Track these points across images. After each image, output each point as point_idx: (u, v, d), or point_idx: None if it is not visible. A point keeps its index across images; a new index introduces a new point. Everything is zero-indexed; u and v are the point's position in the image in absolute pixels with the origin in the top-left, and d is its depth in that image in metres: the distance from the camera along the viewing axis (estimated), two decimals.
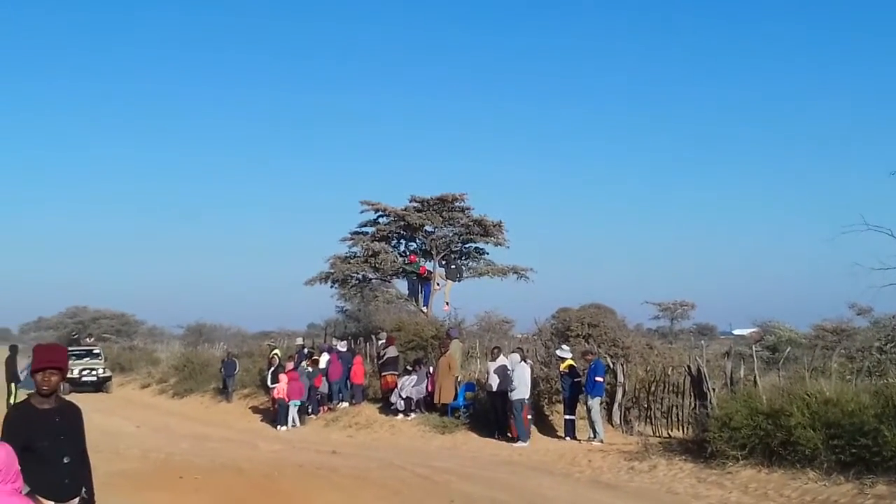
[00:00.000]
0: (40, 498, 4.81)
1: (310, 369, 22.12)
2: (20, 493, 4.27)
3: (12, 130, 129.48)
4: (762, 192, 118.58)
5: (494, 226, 27.10)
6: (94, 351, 37.79)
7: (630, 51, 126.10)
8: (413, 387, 19.92)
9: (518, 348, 19.59)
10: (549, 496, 12.25)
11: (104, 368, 35.20)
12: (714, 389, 16.07)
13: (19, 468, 4.25)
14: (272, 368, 23.00)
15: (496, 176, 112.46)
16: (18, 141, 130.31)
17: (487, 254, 28.59)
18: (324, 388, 22.24)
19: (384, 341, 22.47)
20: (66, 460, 5.14)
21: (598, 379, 16.91)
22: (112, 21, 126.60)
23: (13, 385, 22.00)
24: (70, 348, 35.27)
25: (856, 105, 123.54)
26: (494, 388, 17.69)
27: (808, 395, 13.49)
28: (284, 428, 21.06)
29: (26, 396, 5.32)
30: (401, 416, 19.99)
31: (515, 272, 28.11)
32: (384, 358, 21.50)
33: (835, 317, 30.76)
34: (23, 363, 22.44)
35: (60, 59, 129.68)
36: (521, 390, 16.91)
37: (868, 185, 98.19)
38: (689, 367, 17.37)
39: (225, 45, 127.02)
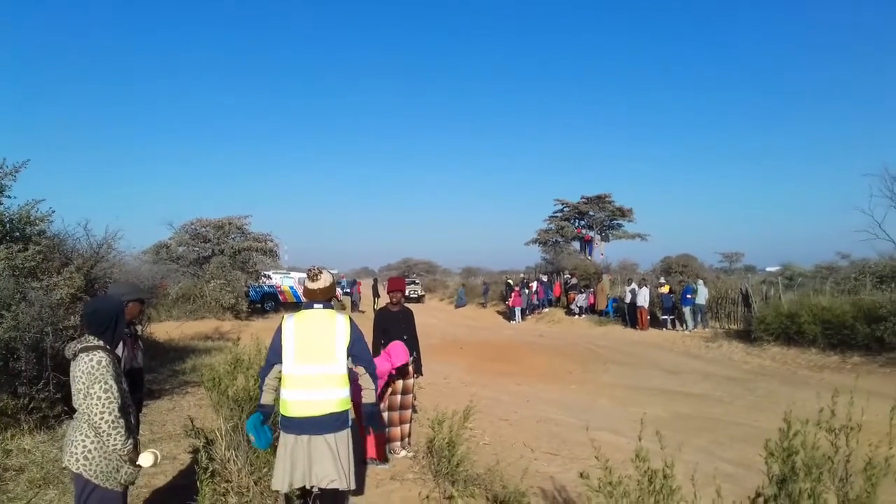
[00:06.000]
0: None
1: None
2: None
3: None
4: None
5: None
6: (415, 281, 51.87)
7: None
8: None
9: None
10: (660, 361, 17.95)
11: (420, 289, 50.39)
12: (756, 302, 21.31)
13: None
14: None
15: None
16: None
17: None
18: None
19: None
20: (404, 337, 7.55)
21: (688, 296, 24.28)
22: None
23: (376, 299, 33.61)
24: (408, 278, 50.33)
25: None
26: None
27: (812, 305, 17.78)
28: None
29: (386, 304, 7.93)
30: None
31: None
32: None
33: (827, 259, 36.69)
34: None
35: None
36: None
37: None
38: (741, 289, 23.09)
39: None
